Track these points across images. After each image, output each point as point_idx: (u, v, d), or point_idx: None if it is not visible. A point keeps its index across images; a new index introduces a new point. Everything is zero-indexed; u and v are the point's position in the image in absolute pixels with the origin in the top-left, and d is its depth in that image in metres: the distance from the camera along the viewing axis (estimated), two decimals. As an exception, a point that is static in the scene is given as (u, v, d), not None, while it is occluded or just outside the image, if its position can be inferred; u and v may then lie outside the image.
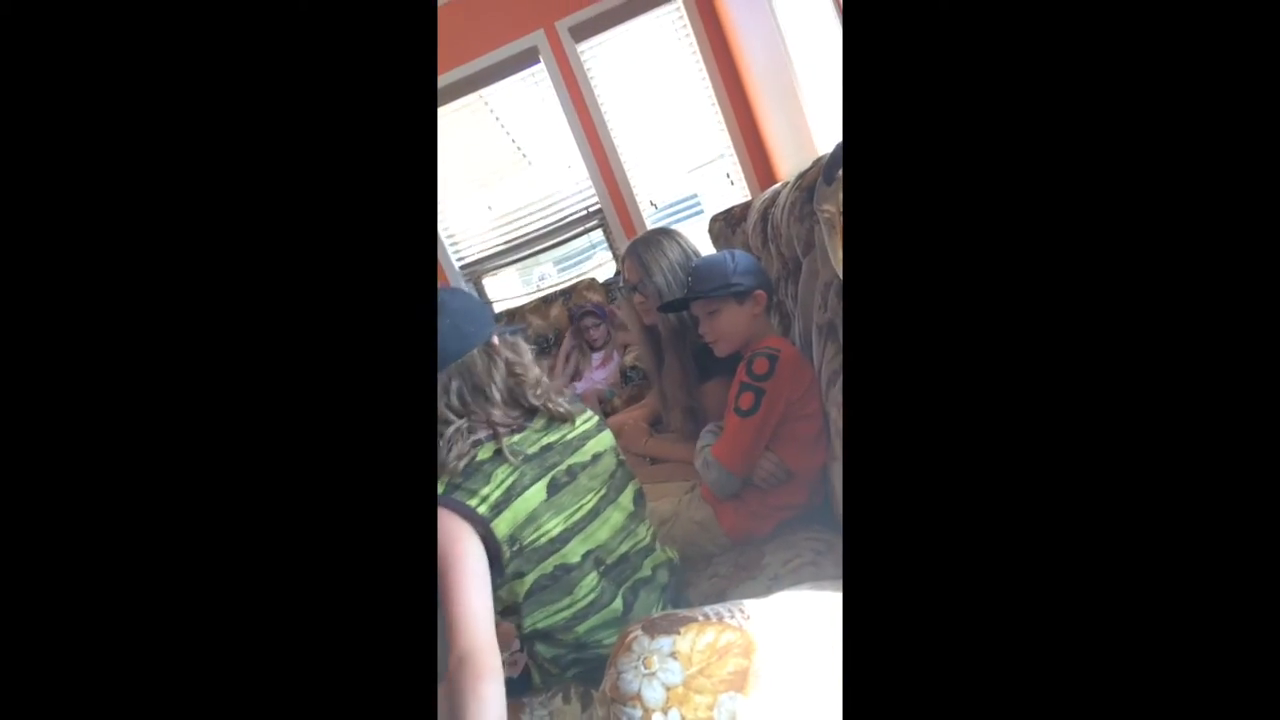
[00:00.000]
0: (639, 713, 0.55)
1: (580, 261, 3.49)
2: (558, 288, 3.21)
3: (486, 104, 3.19)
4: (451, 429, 0.84)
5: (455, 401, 0.85)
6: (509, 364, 0.89)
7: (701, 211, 3.17)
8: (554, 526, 0.85)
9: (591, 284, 2.99)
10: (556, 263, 3.56)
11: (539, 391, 0.90)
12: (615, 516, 0.93)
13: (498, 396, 0.87)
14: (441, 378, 0.85)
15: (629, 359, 2.52)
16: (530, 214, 3.25)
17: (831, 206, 0.55)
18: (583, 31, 3.01)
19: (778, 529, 1.10)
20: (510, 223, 3.26)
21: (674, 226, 1.51)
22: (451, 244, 3.26)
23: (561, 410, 0.92)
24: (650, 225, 3.15)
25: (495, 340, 0.90)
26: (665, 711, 0.55)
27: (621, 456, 1.00)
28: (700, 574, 1.05)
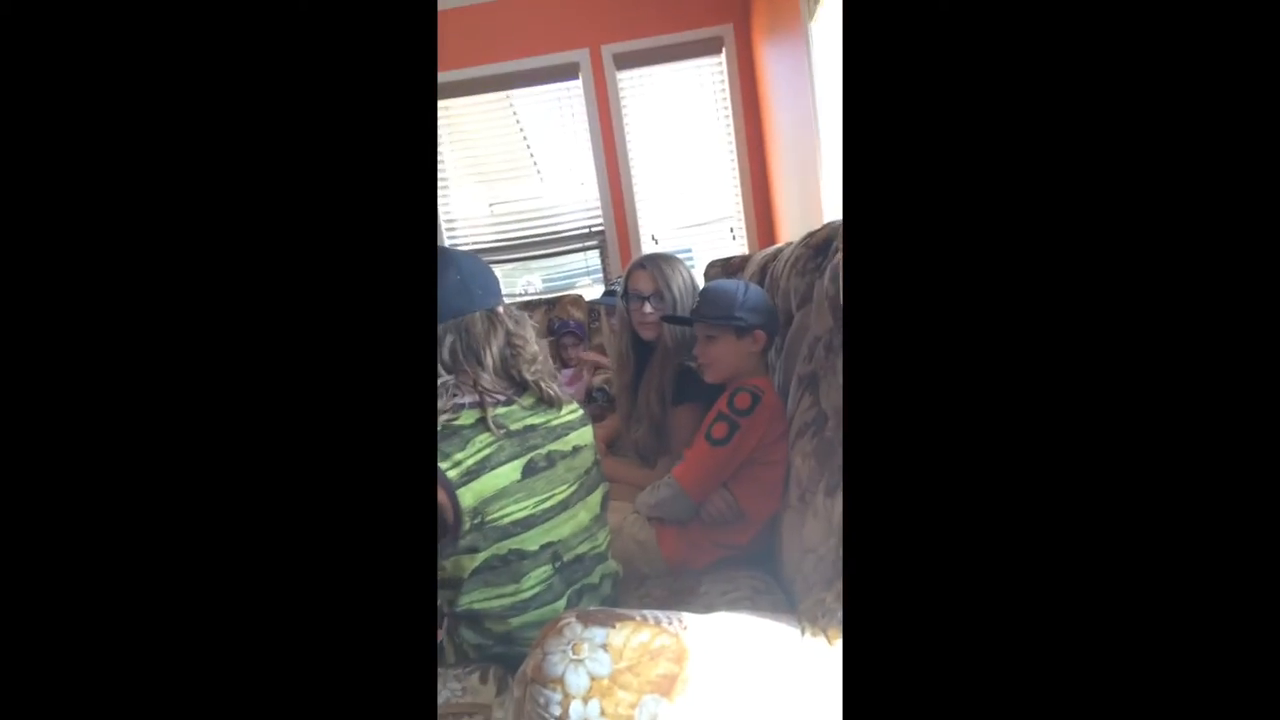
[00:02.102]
0: (558, 696, 0.53)
1: (567, 284, 3.47)
2: (542, 296, 3.20)
3: (511, 105, 3.22)
4: (437, 383, 0.81)
5: (446, 356, 0.83)
6: (509, 334, 0.87)
7: (694, 266, 3.21)
8: (521, 510, 0.82)
9: (577, 300, 2.99)
10: (545, 278, 3.54)
11: (534, 368, 0.88)
12: (582, 515, 0.90)
13: (490, 363, 0.85)
14: (439, 330, 0.83)
15: (597, 380, 2.51)
16: (532, 219, 3.27)
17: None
18: (626, 60, 3.09)
19: (715, 565, 1.08)
20: (510, 222, 3.26)
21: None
22: (449, 228, 3.24)
23: (552, 393, 0.90)
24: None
25: (500, 309, 0.88)
26: (585, 700, 0.53)
27: (598, 457, 0.98)
28: (631, 594, 1.03)
